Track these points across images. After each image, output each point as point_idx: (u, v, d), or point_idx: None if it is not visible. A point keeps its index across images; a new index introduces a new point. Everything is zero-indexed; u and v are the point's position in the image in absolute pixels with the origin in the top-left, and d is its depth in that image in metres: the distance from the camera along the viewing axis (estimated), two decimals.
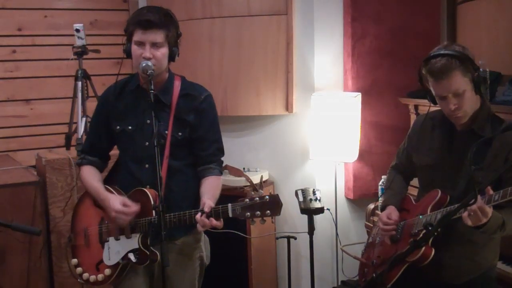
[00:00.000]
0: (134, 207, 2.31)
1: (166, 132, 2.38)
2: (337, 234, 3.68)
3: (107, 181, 2.52)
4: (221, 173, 2.50)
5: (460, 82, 2.12)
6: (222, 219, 2.21)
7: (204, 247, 2.60)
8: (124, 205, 2.32)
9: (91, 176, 2.50)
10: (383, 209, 2.51)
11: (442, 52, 2.14)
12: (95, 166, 2.55)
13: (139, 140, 2.42)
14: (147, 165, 2.41)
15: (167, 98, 2.40)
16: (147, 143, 2.40)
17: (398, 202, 2.49)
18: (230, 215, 2.19)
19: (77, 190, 3.29)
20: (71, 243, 2.53)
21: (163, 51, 2.33)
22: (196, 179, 2.48)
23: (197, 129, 2.44)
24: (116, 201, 2.33)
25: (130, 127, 2.44)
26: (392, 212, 2.43)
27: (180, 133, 2.42)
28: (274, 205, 2.18)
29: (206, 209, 2.20)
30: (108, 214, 2.39)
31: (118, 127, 2.46)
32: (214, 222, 2.19)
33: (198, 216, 2.21)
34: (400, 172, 2.59)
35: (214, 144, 2.49)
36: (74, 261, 2.51)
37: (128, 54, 2.38)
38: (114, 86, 2.52)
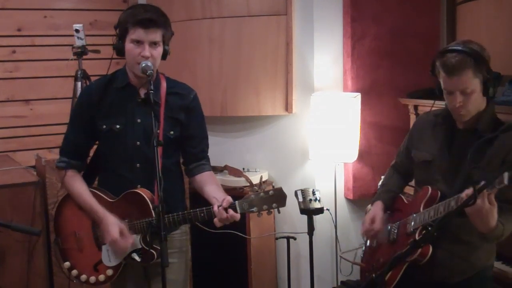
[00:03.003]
0: (130, 239, 2.32)
1: (158, 131, 2.36)
2: (337, 234, 3.68)
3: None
4: (211, 169, 2.56)
5: (470, 81, 2.13)
6: (239, 212, 2.25)
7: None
8: (122, 234, 2.31)
9: (81, 187, 2.43)
10: (372, 204, 2.53)
11: (460, 48, 2.14)
12: (78, 171, 2.49)
13: (129, 139, 2.40)
14: (138, 165, 2.40)
15: (157, 97, 2.39)
16: (138, 142, 2.39)
17: (390, 199, 2.52)
18: (239, 211, 2.25)
19: None
20: (59, 246, 2.51)
21: (160, 50, 2.34)
22: (181, 176, 2.55)
23: (188, 128, 2.46)
24: (114, 228, 2.31)
25: (118, 126, 2.40)
26: (376, 216, 2.45)
27: (172, 132, 2.42)
28: (279, 197, 2.25)
29: (225, 203, 2.23)
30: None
31: (104, 126, 2.41)
32: (231, 212, 2.23)
33: (215, 208, 2.25)
34: (398, 171, 2.60)
35: (204, 140, 2.53)
36: (67, 264, 2.49)
37: (120, 51, 2.37)
38: (96, 84, 2.48)
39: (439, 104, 2.46)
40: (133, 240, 2.33)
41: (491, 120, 2.23)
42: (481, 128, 2.21)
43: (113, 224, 2.32)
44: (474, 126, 2.23)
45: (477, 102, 2.18)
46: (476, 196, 1.88)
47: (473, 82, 2.13)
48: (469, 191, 1.98)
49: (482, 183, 1.90)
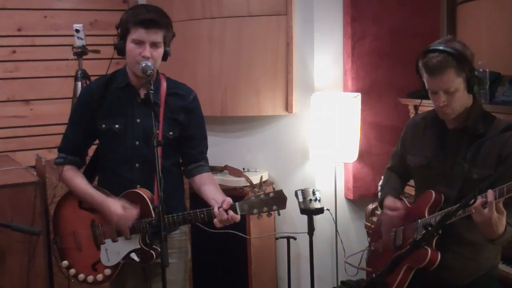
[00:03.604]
0: (134, 210, 2.32)
1: (158, 131, 2.36)
2: (337, 234, 3.68)
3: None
4: (210, 170, 2.56)
5: (453, 81, 2.12)
6: (239, 213, 2.26)
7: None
8: (124, 208, 2.31)
9: (80, 180, 2.44)
10: (381, 202, 2.50)
11: (441, 48, 2.12)
12: (77, 167, 2.49)
13: (129, 139, 2.40)
14: (137, 165, 2.40)
15: (157, 97, 2.38)
16: (137, 142, 2.39)
17: (396, 196, 2.49)
18: (239, 213, 2.25)
19: None
20: (58, 245, 2.51)
21: (160, 51, 2.34)
22: (180, 176, 2.55)
23: (188, 128, 2.46)
24: (117, 206, 2.31)
25: (117, 126, 2.40)
26: (396, 201, 2.41)
27: (171, 133, 2.42)
28: (280, 200, 2.26)
29: (225, 205, 2.24)
30: (102, 217, 2.38)
31: (103, 126, 2.41)
32: (231, 213, 2.23)
33: (216, 209, 2.25)
34: (395, 173, 2.59)
35: (203, 141, 2.53)
36: (65, 263, 2.49)
37: (121, 51, 2.37)
38: (96, 83, 2.49)
39: (426, 103, 2.45)
40: (138, 211, 2.32)
41: (480, 116, 2.21)
42: (470, 126, 2.20)
43: (113, 203, 2.33)
44: (463, 124, 2.22)
45: (462, 100, 2.17)
46: (476, 196, 1.88)
47: (456, 81, 2.12)
48: (483, 200, 1.96)
49: (477, 190, 1.89)
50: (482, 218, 1.96)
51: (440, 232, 2.10)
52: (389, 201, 2.43)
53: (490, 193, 1.94)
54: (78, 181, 2.44)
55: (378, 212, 3.41)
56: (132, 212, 2.31)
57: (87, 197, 2.41)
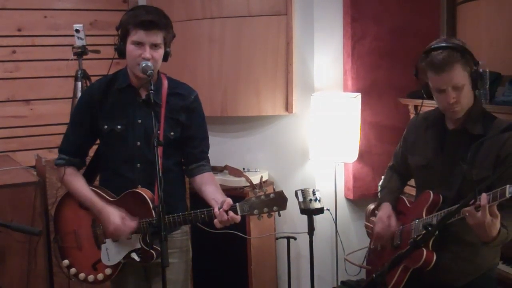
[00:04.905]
0: (132, 222, 2.32)
1: (158, 132, 2.35)
2: (337, 234, 3.68)
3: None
4: (211, 170, 2.55)
5: (460, 75, 2.13)
6: (239, 214, 2.26)
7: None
8: (123, 219, 2.32)
9: (80, 183, 2.44)
10: (378, 206, 2.52)
11: (443, 44, 2.13)
12: (77, 168, 2.50)
13: (130, 140, 2.40)
14: (138, 165, 2.40)
15: (158, 97, 2.39)
16: (138, 143, 2.40)
17: (395, 200, 2.50)
18: (239, 213, 2.25)
19: None
20: (58, 244, 2.52)
21: (161, 52, 2.34)
22: (182, 176, 2.56)
23: (189, 128, 2.46)
24: (116, 216, 2.32)
25: (119, 127, 2.41)
26: (391, 215, 2.43)
27: (172, 133, 2.42)
28: (280, 200, 2.26)
29: (225, 206, 2.24)
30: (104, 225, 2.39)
31: (106, 127, 2.42)
32: (231, 214, 2.23)
33: (216, 210, 2.25)
34: (397, 172, 2.59)
35: (204, 141, 2.53)
36: (66, 262, 2.49)
37: (121, 53, 2.37)
38: (98, 84, 2.49)
39: (427, 103, 2.45)
40: (136, 223, 2.32)
41: (479, 117, 2.21)
42: (469, 127, 2.20)
43: (112, 212, 2.33)
44: (464, 125, 2.22)
45: (468, 97, 2.18)
46: (477, 196, 1.88)
47: (463, 76, 2.13)
48: (477, 203, 1.95)
49: (477, 190, 1.89)
50: (475, 221, 1.96)
51: (436, 233, 2.10)
52: (383, 214, 2.44)
53: (484, 197, 1.93)
54: (79, 184, 2.44)
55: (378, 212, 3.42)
56: (130, 224, 2.32)
57: (87, 202, 2.42)
